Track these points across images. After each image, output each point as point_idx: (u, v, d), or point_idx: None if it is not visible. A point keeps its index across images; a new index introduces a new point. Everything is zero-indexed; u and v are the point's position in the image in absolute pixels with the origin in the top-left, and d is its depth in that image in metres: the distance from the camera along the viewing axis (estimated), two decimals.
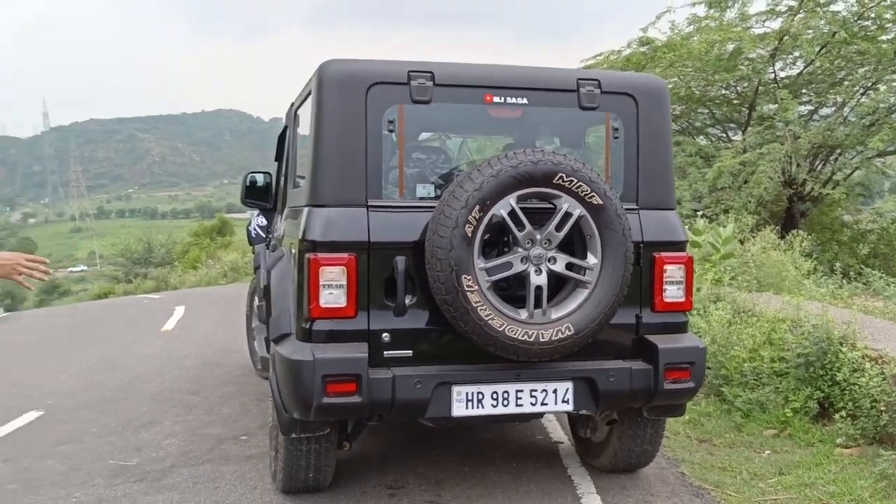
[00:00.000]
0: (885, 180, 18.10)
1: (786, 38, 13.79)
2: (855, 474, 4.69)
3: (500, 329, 3.67)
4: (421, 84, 3.94)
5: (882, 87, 13.54)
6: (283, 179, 5.57)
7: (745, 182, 12.96)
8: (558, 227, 3.76)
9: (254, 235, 6.93)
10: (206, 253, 32.55)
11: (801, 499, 4.49)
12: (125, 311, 15.52)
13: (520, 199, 3.72)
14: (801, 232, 11.09)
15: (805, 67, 14.58)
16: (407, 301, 3.87)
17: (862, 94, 14.02)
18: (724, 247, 8.97)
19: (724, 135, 16.75)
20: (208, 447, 5.50)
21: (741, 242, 10.15)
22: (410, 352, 3.87)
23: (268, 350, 4.87)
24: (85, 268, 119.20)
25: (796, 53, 14.32)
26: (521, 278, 3.79)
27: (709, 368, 6.13)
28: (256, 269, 6.51)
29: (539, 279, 3.76)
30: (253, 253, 7.07)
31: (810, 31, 13.49)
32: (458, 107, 4.24)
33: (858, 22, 13.50)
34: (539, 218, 3.77)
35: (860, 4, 13.45)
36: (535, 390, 3.95)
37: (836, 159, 14.60)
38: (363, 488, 4.61)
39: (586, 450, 5.04)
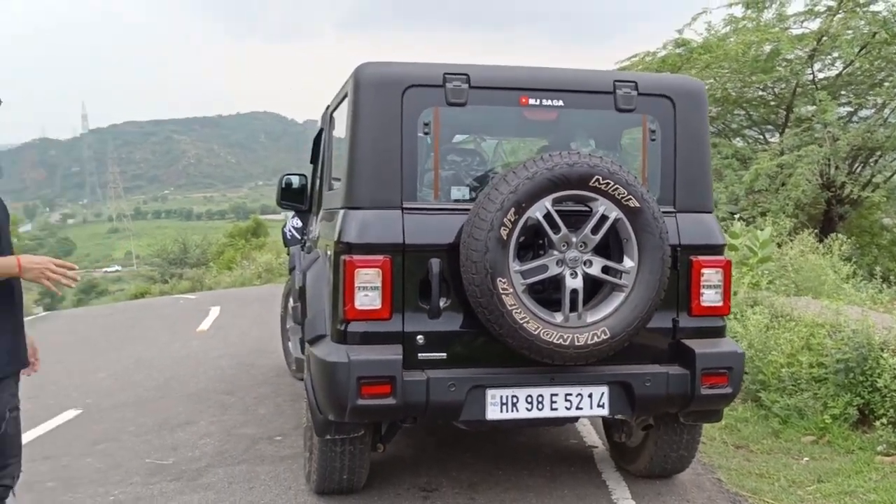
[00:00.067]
0: None
1: (825, 38, 13.59)
2: None
3: (535, 332, 3.65)
4: (456, 86, 3.93)
5: None
6: (318, 182, 5.59)
7: (783, 185, 12.79)
8: (594, 230, 3.73)
9: (289, 237, 6.97)
10: (240, 254, 32.80)
11: None
12: (161, 312, 15.70)
13: (555, 202, 3.70)
14: (839, 235, 10.92)
15: (844, 68, 14.36)
16: (441, 303, 3.86)
17: None
18: (762, 250, 8.86)
19: (762, 137, 16.54)
20: (243, 447, 5.54)
21: (779, 246, 10.03)
22: (445, 354, 3.86)
23: (302, 351, 4.90)
24: (119, 268, 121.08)
25: (835, 54, 14.09)
26: (557, 281, 3.76)
27: (746, 373, 6.06)
28: (291, 270, 6.56)
29: (575, 282, 3.74)
30: (288, 254, 7.12)
31: (850, 32, 13.28)
32: (493, 109, 4.23)
33: None
34: (575, 221, 3.74)
35: None
36: (570, 394, 3.93)
37: (876, 161, 14.36)
38: (397, 490, 4.62)
39: (621, 455, 5.00)
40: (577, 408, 3.95)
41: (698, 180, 4.21)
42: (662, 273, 3.79)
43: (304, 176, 6.12)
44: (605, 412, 3.99)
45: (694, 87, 4.30)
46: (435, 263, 3.82)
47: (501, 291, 3.61)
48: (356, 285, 3.75)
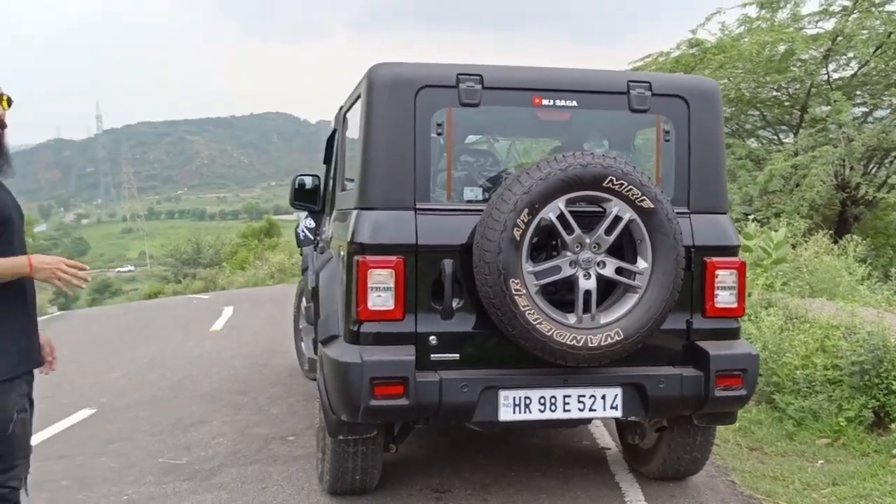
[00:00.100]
0: None
1: (839, 38, 13.52)
2: None
3: (548, 333, 3.64)
4: (470, 87, 3.92)
5: None
6: (331, 182, 5.60)
7: (797, 185, 12.72)
8: (608, 231, 3.72)
9: (302, 237, 6.99)
10: (253, 254, 32.90)
11: None
12: (175, 311, 15.76)
13: (569, 203, 3.68)
14: (854, 236, 10.85)
15: (859, 68, 14.27)
16: (454, 304, 3.86)
17: None
18: (776, 251, 8.81)
19: (776, 137, 16.47)
20: (256, 447, 5.55)
21: (793, 247, 9.98)
22: (457, 355, 3.85)
23: (315, 352, 4.90)
24: (132, 268, 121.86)
25: (850, 54, 14.00)
26: (570, 282, 3.75)
27: (760, 375, 6.03)
28: (304, 270, 6.56)
29: (588, 283, 3.73)
30: (301, 255, 7.14)
31: (865, 32, 13.20)
32: (506, 109, 4.23)
33: None
34: (588, 222, 3.73)
35: None
36: (584, 396, 3.91)
37: (892, 162, 14.26)
38: (409, 491, 4.62)
39: (634, 456, 4.98)
40: (591, 409, 3.94)
41: (713, 181, 4.19)
42: (676, 274, 3.77)
43: (318, 176, 6.13)
44: (618, 414, 3.97)
45: (708, 88, 4.28)
46: (448, 264, 3.82)
47: (514, 292, 3.60)
48: (369, 286, 3.75)
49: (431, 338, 3.82)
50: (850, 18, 13.53)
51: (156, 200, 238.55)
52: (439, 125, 3.93)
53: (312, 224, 6.54)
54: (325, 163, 6.08)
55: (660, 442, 4.61)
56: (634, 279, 3.77)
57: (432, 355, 3.82)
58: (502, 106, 4.13)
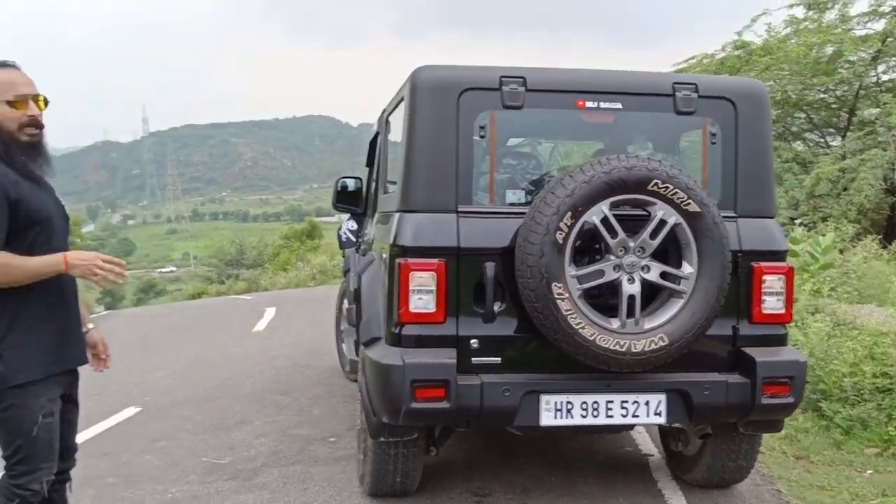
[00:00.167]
0: None
1: (889, 39, 13.27)
2: None
3: (591, 338, 3.61)
4: (513, 89, 3.91)
5: None
6: (373, 185, 5.62)
7: (845, 189, 12.51)
8: (653, 235, 3.67)
9: (344, 240, 7.03)
10: (295, 255, 33.12)
11: None
12: (218, 312, 15.94)
13: (613, 206, 3.64)
14: None
15: None
16: (496, 308, 3.83)
17: None
18: (824, 256, 8.66)
19: (823, 140, 16.21)
20: (298, 448, 5.58)
21: (840, 252, 9.80)
22: (499, 359, 3.83)
23: (357, 353, 4.92)
24: (174, 269, 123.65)
25: None
26: (614, 287, 3.71)
27: (806, 382, 5.92)
28: (346, 272, 6.60)
29: (632, 288, 3.68)
30: (343, 256, 7.17)
31: None
32: (549, 112, 4.20)
33: None
34: (633, 225, 3.68)
35: None
36: (627, 401, 3.87)
37: None
38: (449, 494, 4.61)
39: (678, 463, 4.91)
40: (634, 415, 3.89)
41: (760, 184, 4.12)
42: (723, 279, 3.71)
43: (360, 179, 6.15)
44: (662, 420, 3.92)
45: (756, 90, 4.21)
46: (490, 267, 3.80)
47: (557, 296, 3.57)
48: (411, 288, 3.75)
49: (473, 341, 3.80)
50: None
51: (200, 202, 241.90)
52: (482, 128, 3.92)
53: (355, 226, 6.57)
54: (367, 165, 6.10)
55: (704, 449, 4.54)
56: (679, 284, 3.72)
57: (473, 359, 3.80)
58: (545, 108, 4.10)
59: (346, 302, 6.55)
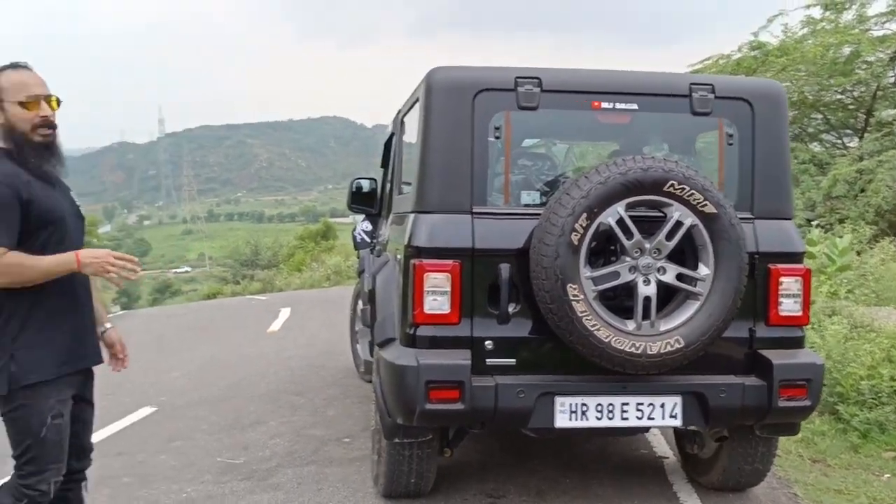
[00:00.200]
0: None
1: None
2: None
3: (607, 340, 3.59)
4: (528, 90, 3.90)
5: None
6: (388, 185, 5.62)
7: (862, 191, 12.43)
8: (669, 237, 3.65)
9: (359, 240, 7.03)
10: (310, 256, 33.21)
11: None
12: (233, 312, 15.99)
13: (628, 207, 3.62)
14: None
15: None
16: (510, 309, 3.82)
17: None
18: (841, 258, 8.61)
19: (840, 141, 16.11)
20: (312, 448, 5.59)
21: (858, 254, 9.73)
22: (514, 360, 3.82)
23: (371, 354, 4.92)
24: (189, 269, 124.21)
25: None
26: (629, 288, 3.69)
27: (823, 385, 5.87)
28: (360, 273, 6.60)
29: (648, 290, 3.66)
30: (357, 257, 7.17)
31: None
32: (565, 113, 4.19)
33: None
34: (648, 227, 3.66)
35: None
36: (642, 404, 3.85)
37: None
38: (463, 496, 4.60)
39: (693, 466, 4.89)
40: (649, 418, 3.87)
41: (778, 185, 4.09)
42: (739, 281, 3.69)
43: (375, 180, 6.16)
44: (677, 423, 3.90)
45: (773, 90, 4.18)
46: (504, 268, 3.79)
47: (572, 298, 3.56)
48: (425, 289, 3.74)
49: (487, 342, 3.80)
50: None
51: (215, 203, 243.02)
52: (497, 129, 3.91)
53: (369, 227, 6.57)
54: (382, 166, 6.10)
55: (720, 452, 4.51)
56: (696, 286, 3.70)
57: (488, 360, 3.79)
58: (561, 109, 4.09)
59: (360, 303, 6.55)
